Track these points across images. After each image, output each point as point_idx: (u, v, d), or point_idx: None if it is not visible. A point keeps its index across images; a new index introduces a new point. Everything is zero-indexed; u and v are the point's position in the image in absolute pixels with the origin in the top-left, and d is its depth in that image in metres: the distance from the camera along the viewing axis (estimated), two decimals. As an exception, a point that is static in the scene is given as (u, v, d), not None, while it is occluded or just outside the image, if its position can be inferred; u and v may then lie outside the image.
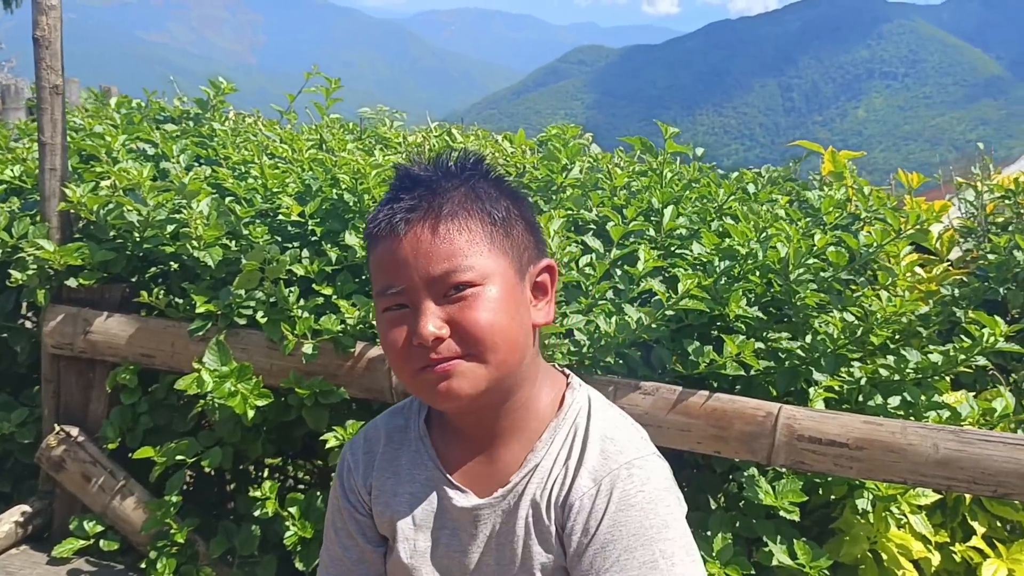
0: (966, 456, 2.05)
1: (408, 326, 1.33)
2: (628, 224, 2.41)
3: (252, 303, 2.54)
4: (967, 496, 2.58)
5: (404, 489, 1.50)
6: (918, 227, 2.40)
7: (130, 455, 2.64)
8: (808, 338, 2.35)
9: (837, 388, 2.40)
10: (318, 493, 2.54)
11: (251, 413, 2.36)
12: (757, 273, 2.36)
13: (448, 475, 1.47)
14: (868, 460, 2.11)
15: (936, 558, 2.57)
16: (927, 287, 2.70)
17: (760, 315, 2.35)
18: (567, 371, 1.53)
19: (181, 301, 2.64)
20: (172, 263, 2.78)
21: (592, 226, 2.59)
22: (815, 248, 2.33)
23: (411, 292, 1.33)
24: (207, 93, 3.27)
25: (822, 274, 2.41)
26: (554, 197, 2.67)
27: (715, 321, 2.42)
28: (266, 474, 2.99)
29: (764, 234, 2.37)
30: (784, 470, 2.30)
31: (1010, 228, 2.90)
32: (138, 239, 2.67)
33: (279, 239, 2.64)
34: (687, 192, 2.68)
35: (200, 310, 2.50)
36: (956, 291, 2.63)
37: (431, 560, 1.48)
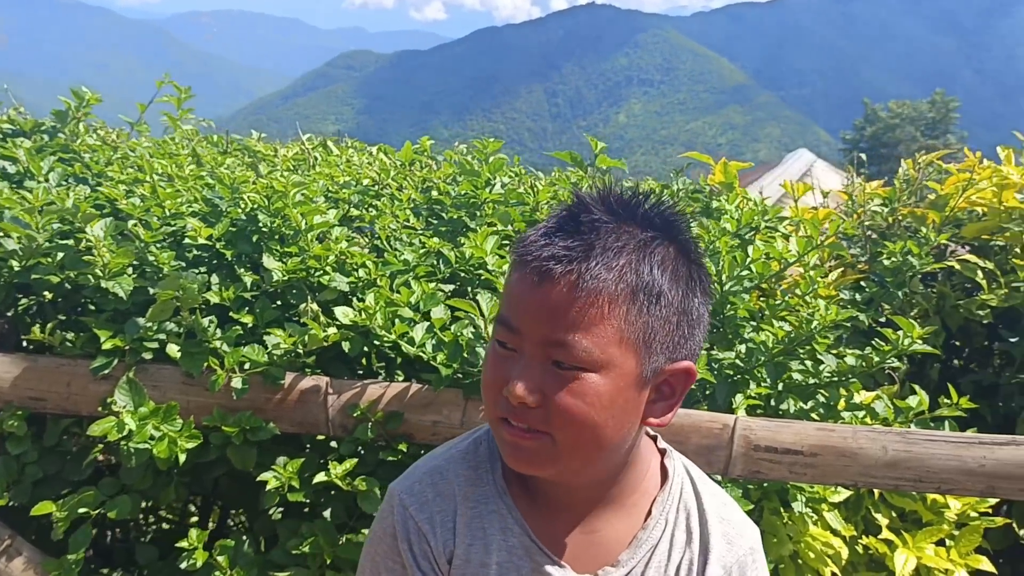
0: (912, 456, 2.16)
1: (507, 371, 1.20)
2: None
3: (162, 336, 2.32)
4: (875, 492, 2.72)
5: (492, 559, 1.33)
6: (836, 236, 2.51)
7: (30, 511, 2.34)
8: (742, 348, 2.40)
9: (760, 396, 2.47)
10: (244, 538, 2.35)
11: (182, 457, 2.15)
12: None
13: (543, 547, 1.32)
14: (822, 466, 2.18)
15: (846, 552, 2.69)
16: (826, 292, 2.83)
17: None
18: (654, 432, 1.42)
19: (73, 336, 2.37)
20: (48, 294, 2.51)
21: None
22: (749, 260, 2.39)
23: (522, 339, 1.20)
24: (67, 104, 2.97)
25: (747, 283, 2.48)
26: (477, 213, 2.60)
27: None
28: (192, 521, 2.75)
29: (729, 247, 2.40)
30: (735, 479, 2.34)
31: (887, 233, 3.09)
32: (17, 268, 2.39)
33: (183, 265, 2.43)
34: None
35: (107, 346, 2.26)
36: (856, 295, 2.77)
37: None
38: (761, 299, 2.66)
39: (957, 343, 3.28)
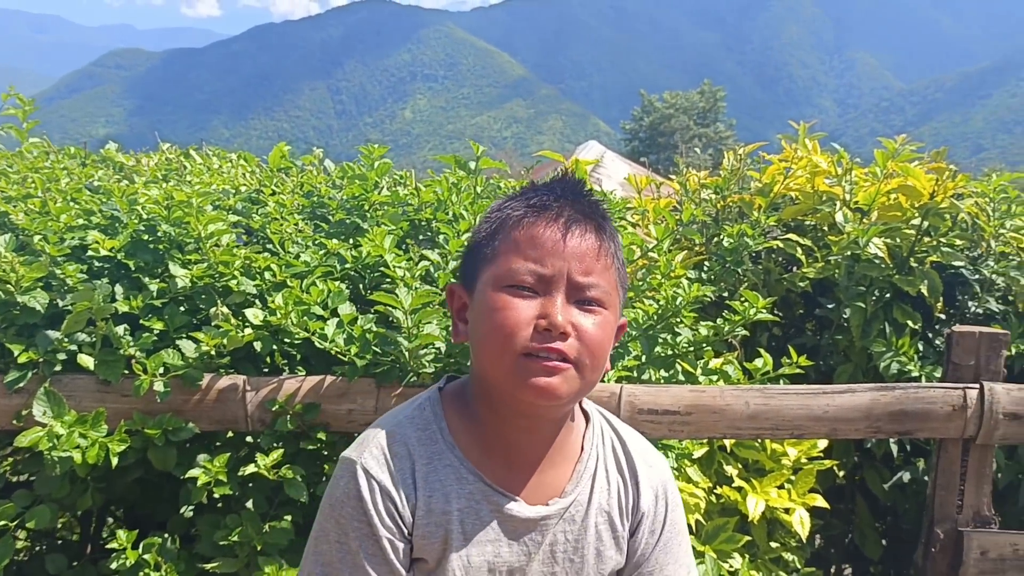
0: (770, 408, 2.51)
1: (535, 310, 1.39)
2: (462, 236, 2.60)
3: (73, 346, 2.37)
4: (728, 443, 3.08)
5: (452, 506, 1.48)
6: (690, 225, 2.85)
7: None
8: (616, 325, 2.69)
9: (627, 368, 2.77)
10: (165, 535, 2.44)
11: (115, 461, 2.23)
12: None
13: (498, 488, 1.50)
14: (696, 423, 2.50)
15: (704, 502, 3.04)
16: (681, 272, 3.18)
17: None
18: None
19: (-27, 351, 2.38)
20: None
21: (408, 241, 2.74)
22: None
23: (553, 282, 1.41)
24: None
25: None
26: (368, 215, 2.77)
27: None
28: (112, 523, 2.77)
29: None
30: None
31: (719, 218, 3.48)
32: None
33: (86, 277, 2.48)
34: (484, 202, 2.91)
35: (22, 359, 2.29)
36: (702, 274, 3.13)
37: (488, 574, 1.49)
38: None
39: (779, 313, 3.71)
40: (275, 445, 2.41)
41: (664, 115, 58.02)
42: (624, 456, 1.62)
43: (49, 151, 3.37)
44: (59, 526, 2.95)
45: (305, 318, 2.39)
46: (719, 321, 2.81)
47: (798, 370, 2.81)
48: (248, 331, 2.37)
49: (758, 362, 2.87)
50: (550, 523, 1.52)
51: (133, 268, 2.51)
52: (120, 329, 2.37)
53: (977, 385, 2.55)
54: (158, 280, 2.50)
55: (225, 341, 2.35)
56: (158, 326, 2.43)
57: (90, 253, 2.49)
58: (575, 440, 1.58)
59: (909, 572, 3.94)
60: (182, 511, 2.58)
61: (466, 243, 1.59)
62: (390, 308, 2.30)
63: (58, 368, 2.39)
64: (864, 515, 3.64)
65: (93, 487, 2.49)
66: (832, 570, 3.86)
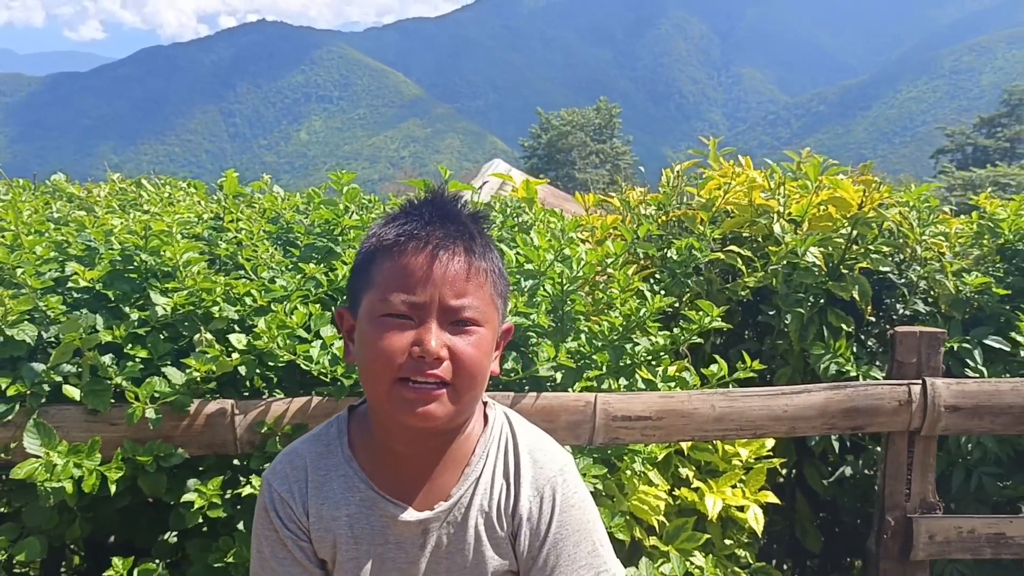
0: (735, 410, 2.67)
1: (409, 337, 1.48)
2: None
3: (58, 377, 2.39)
4: (684, 446, 3.23)
5: (341, 512, 1.62)
6: (646, 240, 2.99)
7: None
8: (583, 338, 2.82)
9: (591, 378, 2.90)
10: (157, 561, 2.46)
11: (113, 488, 2.25)
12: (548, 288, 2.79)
13: (384, 494, 1.62)
14: (667, 427, 2.64)
15: (663, 504, 3.19)
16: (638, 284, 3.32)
17: (552, 323, 2.77)
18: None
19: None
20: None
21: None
22: (583, 263, 2.81)
23: (425, 309, 1.49)
24: None
25: (577, 283, 2.90)
26: (340, 239, 2.84)
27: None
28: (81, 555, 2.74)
29: (559, 254, 2.79)
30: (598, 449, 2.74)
31: (663, 233, 3.64)
32: None
33: (66, 308, 2.50)
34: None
35: (10, 392, 2.30)
36: (654, 286, 3.28)
37: (380, 574, 1.63)
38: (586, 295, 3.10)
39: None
40: (264, 467, 2.46)
41: (561, 132, 58.86)
42: (513, 457, 1.67)
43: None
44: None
45: (291, 341, 2.46)
46: (676, 330, 2.96)
47: (751, 374, 2.97)
48: (236, 356, 2.42)
49: (713, 368, 3.02)
50: (432, 526, 1.62)
51: (112, 298, 2.53)
52: (107, 359, 2.40)
53: (920, 381, 2.76)
54: (137, 309, 2.53)
55: (215, 367, 2.40)
56: (142, 354, 2.46)
57: (70, 285, 2.50)
58: (467, 445, 1.66)
59: (846, 562, 4.17)
60: (165, 536, 2.61)
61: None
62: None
63: (43, 400, 2.40)
64: (804, 510, 3.84)
65: (80, 516, 2.50)
66: (774, 563, 4.04)
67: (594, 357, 2.83)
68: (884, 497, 2.84)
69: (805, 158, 3.83)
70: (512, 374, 2.63)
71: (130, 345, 2.48)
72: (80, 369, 2.41)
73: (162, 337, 2.55)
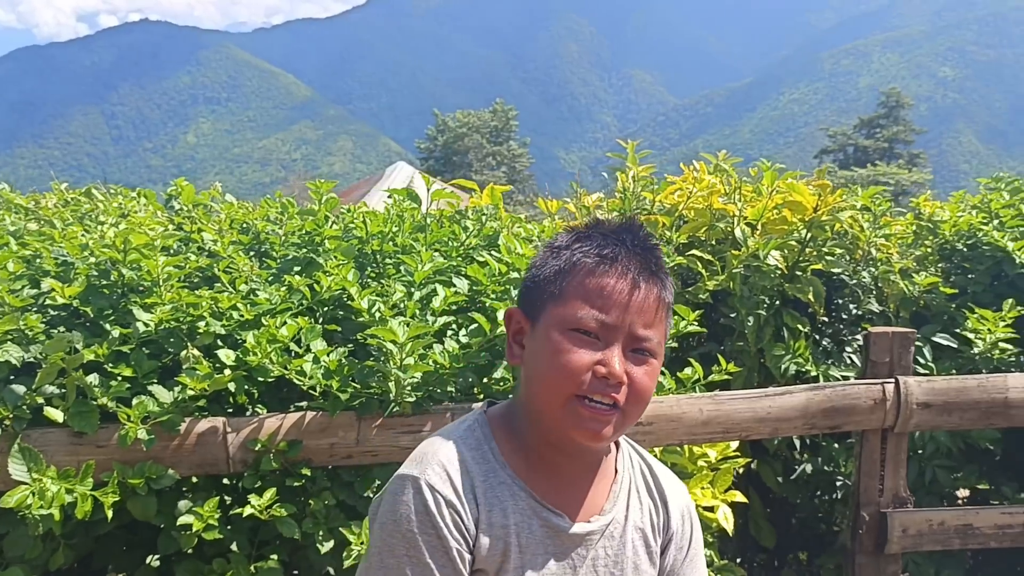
0: (722, 413, 2.72)
1: (595, 357, 1.51)
2: (426, 267, 2.66)
3: (40, 399, 2.28)
4: (657, 450, 3.27)
5: (510, 520, 1.58)
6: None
7: None
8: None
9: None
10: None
11: (110, 514, 2.16)
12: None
13: (547, 504, 1.62)
14: (657, 431, 2.67)
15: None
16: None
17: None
18: None
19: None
20: None
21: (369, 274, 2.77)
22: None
23: (613, 331, 1.52)
24: None
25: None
26: (320, 248, 2.78)
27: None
28: None
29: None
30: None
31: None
32: None
33: (44, 327, 2.39)
34: (423, 234, 2.98)
35: (-6, 417, 2.19)
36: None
37: None
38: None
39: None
40: (257, 485, 2.40)
41: (458, 134, 58.81)
42: (652, 480, 1.77)
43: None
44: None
45: (284, 356, 2.40)
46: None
47: (727, 377, 3.02)
48: (228, 372, 2.35)
49: (688, 371, 3.06)
50: (594, 539, 1.65)
51: (92, 314, 2.43)
52: (91, 378, 2.30)
53: (893, 380, 2.85)
54: (116, 325, 2.44)
55: (207, 384, 2.32)
56: (127, 372, 2.37)
57: (47, 302, 2.40)
58: (609, 463, 1.73)
59: (797, 556, 4.28)
60: (148, 561, 2.52)
61: (529, 272, 1.67)
62: (381, 341, 2.34)
63: (24, 426, 2.29)
64: (757, 507, 3.92)
65: (64, 544, 2.39)
66: (725, 559, 4.12)
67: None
68: (859, 493, 2.93)
69: (722, 160, 3.91)
70: (503, 383, 2.63)
71: (112, 364, 2.39)
72: (64, 390, 2.30)
73: (145, 354, 2.46)
